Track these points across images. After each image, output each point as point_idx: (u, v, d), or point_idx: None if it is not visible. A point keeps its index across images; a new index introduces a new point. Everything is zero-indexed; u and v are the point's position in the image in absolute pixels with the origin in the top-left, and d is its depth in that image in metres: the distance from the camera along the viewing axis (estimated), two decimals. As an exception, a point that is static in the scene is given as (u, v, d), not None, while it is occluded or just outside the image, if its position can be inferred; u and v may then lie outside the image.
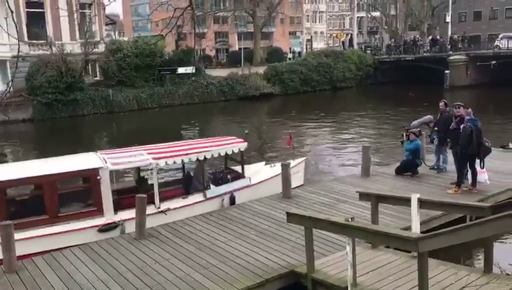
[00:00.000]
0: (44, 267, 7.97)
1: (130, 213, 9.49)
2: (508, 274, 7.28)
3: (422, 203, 7.43)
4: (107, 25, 43.32)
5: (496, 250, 7.23)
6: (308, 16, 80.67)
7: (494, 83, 38.62)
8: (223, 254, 8.20)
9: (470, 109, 11.04)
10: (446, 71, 41.45)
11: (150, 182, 10.97)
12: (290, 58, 53.21)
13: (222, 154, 11.50)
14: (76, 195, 10.20)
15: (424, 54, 46.30)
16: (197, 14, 42.35)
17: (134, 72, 35.42)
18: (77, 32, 35.59)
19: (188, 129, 29.28)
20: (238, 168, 12.08)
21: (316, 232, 7.36)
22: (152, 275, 7.54)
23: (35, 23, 33.85)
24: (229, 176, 11.79)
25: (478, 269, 7.20)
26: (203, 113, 34.92)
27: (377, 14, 70.86)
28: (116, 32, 72.18)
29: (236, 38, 65.15)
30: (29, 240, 8.83)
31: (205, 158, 10.97)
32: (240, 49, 54.90)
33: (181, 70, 37.58)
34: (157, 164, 10.19)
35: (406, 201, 7.64)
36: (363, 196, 8.64)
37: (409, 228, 7.78)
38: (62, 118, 31.48)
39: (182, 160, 10.74)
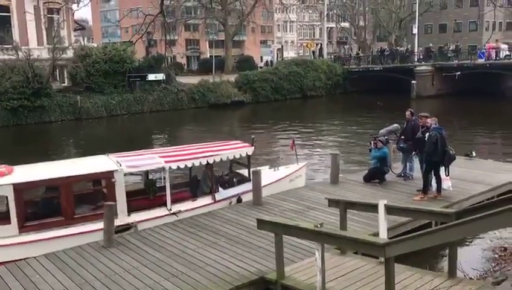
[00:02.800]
0: (8, 277, 7.75)
1: (142, 215, 10.04)
2: (471, 278, 7.48)
3: (389, 210, 7.58)
4: (75, 30, 42.62)
5: (460, 255, 7.43)
6: (279, 25, 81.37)
7: (459, 93, 39.79)
8: (193, 261, 8.16)
9: (435, 118, 11.38)
10: (413, 81, 42.44)
11: (158, 185, 11.47)
12: (261, 67, 53.51)
13: (231, 158, 11.86)
14: (91, 197, 10.32)
15: (392, 64, 47.34)
16: (168, 21, 42.12)
17: (103, 79, 34.92)
18: (45, 37, 34.87)
19: (158, 136, 29.04)
20: (242, 172, 12.44)
21: (286, 239, 7.41)
22: (120, 283, 7.43)
23: (1, 27, 33.01)
24: (234, 179, 12.10)
25: (443, 273, 7.38)
26: (174, 120, 34.71)
27: (346, 25, 72.16)
28: (85, 38, 71.23)
29: (208, 46, 65.08)
30: (46, 241, 8.96)
31: (214, 161, 11.22)
32: (211, 56, 54.79)
33: (151, 77, 37.30)
34: (169, 167, 10.45)
35: (374, 207, 7.78)
36: (332, 203, 8.75)
37: (376, 234, 7.91)
38: (28, 125, 30.73)
39: (193, 163, 11.00)
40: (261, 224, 7.51)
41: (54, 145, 26.43)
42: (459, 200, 11.07)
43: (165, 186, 10.91)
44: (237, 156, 11.86)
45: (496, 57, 41.47)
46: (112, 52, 35.43)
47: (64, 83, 35.98)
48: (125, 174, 10.04)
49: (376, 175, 12.77)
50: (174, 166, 10.60)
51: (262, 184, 11.85)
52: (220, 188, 11.56)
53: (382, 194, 11.41)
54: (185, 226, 9.87)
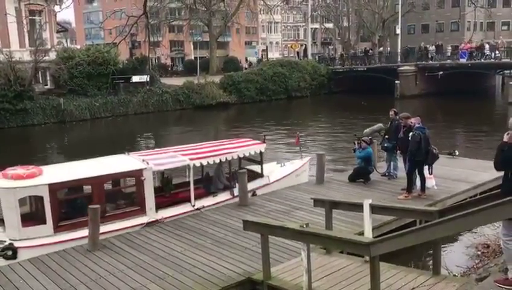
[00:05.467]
0: (-9, 283, 7.64)
1: (169, 211, 10.42)
2: (454, 275, 7.58)
3: (374, 209, 7.63)
4: (58, 32, 42.11)
5: (444, 253, 7.54)
6: (263, 26, 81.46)
7: (442, 92, 40.25)
8: (179, 263, 8.13)
9: (418, 117, 11.50)
10: (396, 81, 42.83)
11: (174, 182, 12.05)
12: (246, 68, 53.50)
13: (247, 155, 12.27)
14: (120, 196, 10.56)
15: (376, 64, 47.70)
16: (152, 22, 41.92)
17: (86, 81, 34.58)
18: (27, 40, 34.40)
19: (144, 139, 28.86)
20: (253, 168, 12.87)
21: (272, 239, 7.42)
22: (106, 287, 7.38)
23: (-19, 29, 32.49)
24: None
25: (427, 271, 7.45)
26: (159, 122, 34.54)
27: (330, 25, 72.41)
28: (68, 40, 70.49)
29: (192, 47, 64.89)
30: (80, 240, 9.06)
31: (233, 158, 11.90)
32: (195, 58, 54.67)
33: (135, 78, 37.07)
34: (194, 164, 10.82)
35: (359, 207, 7.83)
36: (318, 203, 8.79)
37: (362, 233, 7.96)
38: (10, 128, 30.27)
39: (214, 160, 11.41)
40: (247, 225, 7.52)
41: (38, 149, 26.07)
42: (443, 198, 11.19)
43: (179, 184, 11.90)
44: (252, 153, 12.36)
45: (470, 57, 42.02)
46: (96, 54, 35.12)
47: (47, 85, 35.55)
48: (153, 173, 10.35)
49: (361, 175, 12.86)
50: (197, 163, 11.04)
51: (273, 179, 12.60)
52: (236, 184, 11.94)
53: (367, 193, 11.47)
54: (171, 229, 9.83)
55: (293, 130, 28.04)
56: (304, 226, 6.52)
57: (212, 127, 32.46)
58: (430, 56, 45.16)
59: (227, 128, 31.89)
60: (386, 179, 12.98)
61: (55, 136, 30.35)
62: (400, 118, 11.96)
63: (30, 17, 34.58)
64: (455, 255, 9.14)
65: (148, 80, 37.41)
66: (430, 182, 11.39)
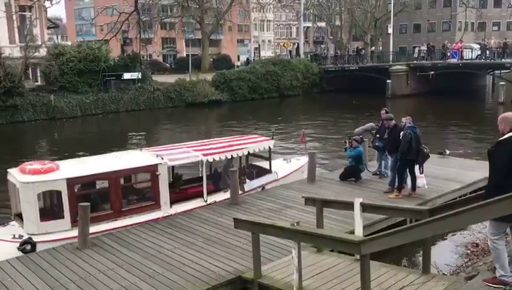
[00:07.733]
0: (-21, 281, 7.56)
1: (182, 206, 10.63)
2: (444, 274, 7.63)
3: (364, 207, 7.64)
4: (49, 28, 41.78)
5: (434, 251, 7.56)
6: (256, 24, 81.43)
7: (433, 92, 40.47)
8: (169, 262, 8.10)
9: (409, 117, 11.55)
10: (388, 80, 42.99)
11: (183, 179, 12.32)
12: (238, 66, 53.45)
13: (256, 151, 12.44)
14: (135, 190, 10.69)
15: (368, 64, 47.86)
16: (143, 19, 41.71)
17: (77, 77, 34.40)
18: (17, 36, 34.09)
19: (135, 136, 28.71)
20: (261, 164, 13.15)
21: (263, 238, 7.41)
22: (96, 285, 7.33)
23: (-30, 25, 32.14)
24: (254, 171, 12.73)
25: (417, 270, 7.50)
26: (150, 119, 34.41)
27: (322, 24, 72.55)
28: (59, 36, 69.96)
29: (184, 44, 64.75)
30: (97, 234, 9.22)
31: (243, 154, 12.17)
32: (187, 55, 54.56)
33: (126, 76, 36.92)
34: (207, 160, 11.11)
35: (350, 205, 7.83)
36: (309, 201, 8.79)
37: (352, 232, 7.97)
38: (0, 125, 30.05)
39: (226, 156, 11.66)
40: (238, 223, 7.50)
41: (29, 146, 25.86)
42: (433, 197, 11.25)
43: (188, 180, 12.19)
44: (261, 149, 12.59)
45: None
46: (87, 50, 34.90)
47: (37, 82, 35.26)
48: (168, 168, 10.57)
49: (352, 173, 12.90)
50: (210, 159, 11.29)
51: (281, 175, 12.85)
52: (246, 179, 12.24)
53: (358, 192, 11.50)
54: (162, 227, 9.79)
55: (285, 128, 28.09)
56: (295, 224, 6.52)
57: (205, 125, 32.38)
58: (422, 55, 45.37)
59: (220, 126, 31.81)
60: (377, 178, 13.02)
61: (46, 133, 30.12)
62: (382, 120, 12.09)
63: (20, 13, 34.28)
64: (445, 254, 9.19)
65: (139, 77, 37.27)
66: (421, 181, 11.43)
